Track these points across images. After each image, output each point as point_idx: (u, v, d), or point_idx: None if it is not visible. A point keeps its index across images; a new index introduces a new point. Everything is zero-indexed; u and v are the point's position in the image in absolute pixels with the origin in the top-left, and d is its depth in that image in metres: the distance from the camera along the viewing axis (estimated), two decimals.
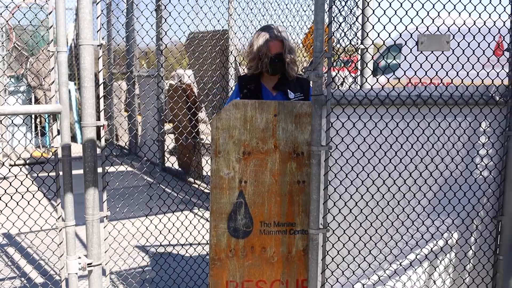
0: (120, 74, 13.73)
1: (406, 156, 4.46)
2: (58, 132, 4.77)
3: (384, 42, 4.40)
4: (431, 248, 4.58)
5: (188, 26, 7.42)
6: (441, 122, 4.49)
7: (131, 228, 5.70)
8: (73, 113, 15.32)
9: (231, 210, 4.74)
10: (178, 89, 10.02)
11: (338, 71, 6.07)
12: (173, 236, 5.83)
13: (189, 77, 11.78)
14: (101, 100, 4.88)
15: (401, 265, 4.60)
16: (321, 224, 4.37)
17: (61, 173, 4.72)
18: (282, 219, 4.69)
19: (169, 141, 10.19)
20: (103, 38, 4.85)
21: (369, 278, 4.58)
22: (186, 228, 5.89)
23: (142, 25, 9.77)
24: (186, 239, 5.93)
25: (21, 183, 5.23)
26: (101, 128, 4.88)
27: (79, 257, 4.81)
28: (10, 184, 5.22)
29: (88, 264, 4.83)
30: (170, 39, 8.67)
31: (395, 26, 4.39)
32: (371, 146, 4.41)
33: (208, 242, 5.96)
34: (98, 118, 4.85)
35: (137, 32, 11.10)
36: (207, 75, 9.52)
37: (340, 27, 6.78)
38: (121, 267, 5.76)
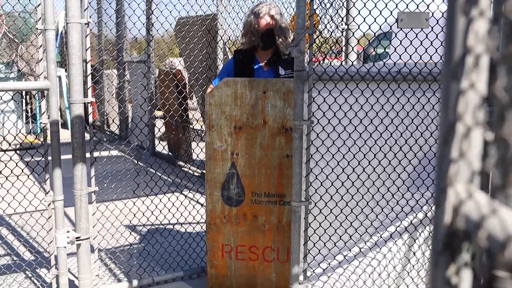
0: (111, 61, 13.77)
1: (386, 130, 4.58)
2: (47, 110, 4.86)
3: (370, 28, 4.51)
4: (411, 221, 4.71)
5: (179, 12, 7.48)
6: (421, 98, 4.60)
7: (120, 207, 5.80)
8: (64, 100, 15.36)
9: (224, 180, 4.98)
10: (168, 74, 10.11)
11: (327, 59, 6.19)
12: (165, 216, 5.92)
13: (179, 62, 11.87)
14: (89, 78, 4.97)
15: (381, 237, 4.73)
16: (303, 197, 4.49)
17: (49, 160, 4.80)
18: (272, 191, 4.87)
19: (159, 127, 10.22)
20: (90, 17, 4.92)
21: (350, 250, 4.70)
22: (177, 208, 5.99)
23: (134, 11, 9.81)
24: (177, 219, 6.05)
25: (15, 166, 5.31)
26: (89, 105, 4.97)
27: (68, 231, 4.92)
28: (4, 167, 5.30)
29: (76, 238, 4.94)
30: (162, 24, 8.75)
31: (380, 11, 4.48)
32: (352, 121, 4.52)
33: (199, 220, 6.07)
34: (86, 96, 4.95)
35: (129, 17, 11.15)
36: (197, 60, 9.60)
37: (324, 8, 6.88)
38: (109, 241, 5.84)
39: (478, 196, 0.98)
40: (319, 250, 4.63)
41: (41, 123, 4.82)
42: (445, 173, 1.01)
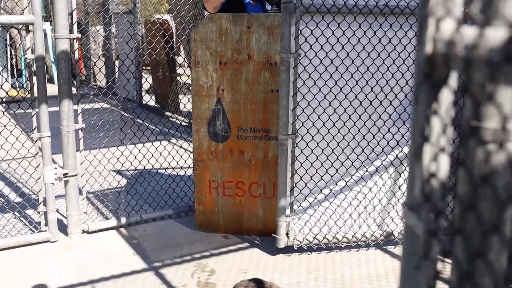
0: (96, 13, 13.59)
1: (373, 64, 4.58)
2: (32, 45, 4.80)
3: None
4: (397, 155, 4.76)
5: None
6: (408, 31, 4.60)
7: (108, 155, 5.78)
8: (50, 55, 15.19)
9: (211, 116, 5.00)
10: (155, 23, 10.00)
11: None
12: (152, 163, 5.93)
13: (170, 18, 11.75)
14: (74, 12, 4.90)
15: (367, 171, 4.78)
16: (290, 130, 4.51)
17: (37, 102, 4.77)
18: (258, 126, 4.89)
19: (146, 81, 10.15)
20: None
21: (336, 184, 4.76)
22: (160, 154, 6.00)
23: None
24: (164, 164, 6.07)
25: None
26: (75, 41, 4.93)
27: (55, 168, 4.92)
28: None
29: (64, 174, 4.95)
30: None
31: None
32: (339, 54, 4.51)
33: (185, 165, 6.09)
34: (72, 32, 4.90)
35: None
36: (184, 9, 9.50)
37: None
38: (97, 184, 5.87)
39: (456, 23, 1.00)
40: (306, 184, 4.67)
41: (26, 58, 4.77)
42: (426, 4, 1.02)
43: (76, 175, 5.01)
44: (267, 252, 4.87)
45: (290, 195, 4.63)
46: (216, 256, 4.82)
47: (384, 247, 4.99)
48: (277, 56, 4.72)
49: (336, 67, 4.53)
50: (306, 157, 4.63)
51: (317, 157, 4.65)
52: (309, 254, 4.84)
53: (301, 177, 4.64)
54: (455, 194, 1.08)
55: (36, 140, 4.86)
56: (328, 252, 4.88)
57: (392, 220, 4.89)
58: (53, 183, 4.92)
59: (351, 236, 4.80)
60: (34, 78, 4.76)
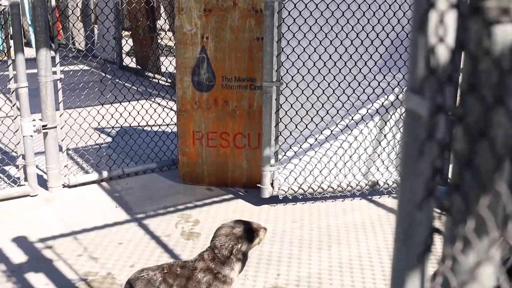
0: None
1: (358, 9, 4.48)
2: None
3: None
4: (382, 103, 4.69)
5: None
6: None
7: (89, 114, 5.62)
8: (27, 18, 14.85)
9: (195, 64, 4.89)
10: None
11: None
12: (134, 118, 5.80)
13: None
14: None
15: (353, 119, 4.71)
16: (274, 77, 4.42)
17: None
18: (243, 75, 4.79)
19: (127, 43, 9.93)
20: None
21: (321, 132, 4.69)
22: (146, 111, 5.88)
23: None
24: (147, 122, 5.94)
25: None
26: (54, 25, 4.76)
27: (33, 120, 4.79)
28: None
29: (43, 126, 4.82)
30: None
31: None
32: None
33: (169, 122, 5.95)
34: None
35: None
36: None
37: None
38: (78, 144, 5.71)
39: None
40: (290, 133, 4.60)
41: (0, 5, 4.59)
42: None
43: (56, 127, 4.88)
44: (252, 203, 4.81)
45: (275, 144, 4.56)
46: (200, 208, 4.76)
47: (370, 196, 4.95)
48: (262, 3, 4.59)
49: (321, 12, 4.42)
50: (291, 105, 4.55)
51: (302, 105, 4.57)
52: (294, 204, 4.79)
53: (285, 126, 4.57)
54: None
55: (13, 91, 4.71)
56: (313, 202, 4.83)
57: (378, 169, 4.85)
58: (31, 136, 4.80)
59: (336, 185, 4.75)
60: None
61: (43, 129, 4.82)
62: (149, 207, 4.74)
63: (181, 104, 4.99)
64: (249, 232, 3.25)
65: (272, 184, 4.64)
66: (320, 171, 4.73)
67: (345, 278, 3.71)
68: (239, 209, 4.72)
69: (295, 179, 4.70)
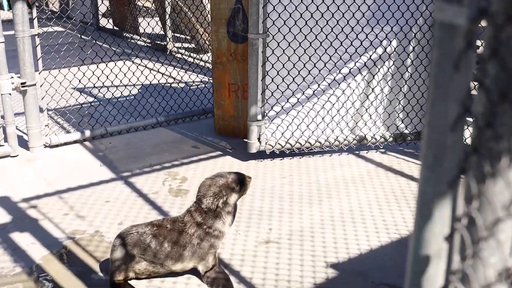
0: None
1: None
2: None
3: None
4: (370, 56, 4.61)
5: None
6: None
7: (69, 76, 5.43)
8: None
9: (230, 15, 4.82)
10: None
11: None
12: (117, 76, 5.62)
13: None
14: None
15: (340, 73, 4.63)
16: (261, 29, 4.30)
17: None
18: None
19: (103, 3, 9.65)
20: None
21: (309, 86, 4.61)
22: (130, 70, 5.72)
23: None
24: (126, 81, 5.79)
25: None
26: None
27: (12, 77, 4.63)
28: None
29: (22, 84, 4.67)
30: None
31: None
32: None
33: (153, 80, 5.81)
34: None
35: None
36: None
37: None
38: (59, 102, 5.53)
39: None
40: (277, 86, 4.50)
41: None
42: None
43: (35, 84, 4.73)
44: (240, 159, 4.74)
45: (262, 98, 4.46)
46: (187, 165, 4.67)
47: (357, 152, 4.91)
48: None
49: None
50: (278, 57, 4.44)
51: (288, 57, 4.47)
52: (281, 159, 4.73)
53: (272, 79, 4.47)
54: None
55: None
56: (300, 157, 4.78)
57: (365, 123, 4.79)
58: (10, 94, 4.64)
59: (324, 140, 4.70)
60: None
61: (22, 86, 4.67)
62: (134, 165, 4.64)
63: (216, 56, 4.93)
64: (235, 182, 3.17)
65: (259, 139, 4.56)
66: (308, 126, 4.67)
67: (338, 231, 3.68)
68: (227, 165, 4.65)
69: (282, 134, 4.63)
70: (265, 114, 4.54)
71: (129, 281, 3.06)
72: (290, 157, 4.76)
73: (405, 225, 3.76)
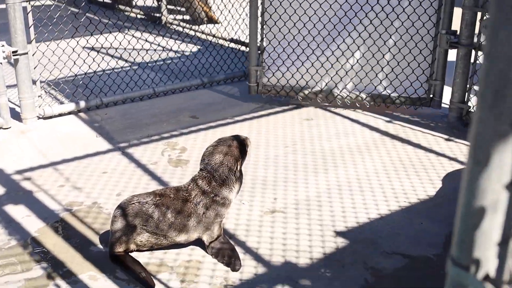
0: None
1: None
2: None
3: None
4: (372, 7, 4.48)
5: None
6: None
7: (61, 41, 5.20)
8: None
9: None
10: None
11: None
12: (104, 48, 5.41)
13: None
14: None
15: (340, 21, 4.48)
16: None
17: None
18: None
19: None
20: None
21: (309, 32, 4.50)
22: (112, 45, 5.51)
23: None
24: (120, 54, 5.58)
25: None
26: None
27: (2, 45, 4.43)
28: None
29: (13, 52, 4.47)
30: None
31: None
32: None
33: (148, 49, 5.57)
34: None
35: None
36: None
37: None
38: (52, 72, 5.29)
39: None
40: (275, 36, 4.47)
41: None
42: None
43: (27, 53, 4.53)
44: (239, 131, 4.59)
45: (260, 44, 4.74)
46: (186, 135, 4.52)
47: (363, 121, 4.77)
48: None
49: None
50: (275, 9, 4.34)
51: (285, 10, 4.36)
52: (283, 129, 4.58)
53: (270, 29, 4.43)
54: None
55: None
56: (302, 123, 4.63)
57: (377, 77, 4.65)
58: (1, 63, 4.44)
59: (319, 90, 4.83)
60: None
61: (13, 55, 4.46)
62: (132, 136, 4.48)
63: None
64: (240, 146, 3.06)
65: (257, 84, 4.97)
66: (302, 76, 4.86)
67: (345, 200, 3.55)
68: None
69: (278, 80, 4.89)
70: (263, 60, 4.86)
71: (129, 253, 2.92)
72: (292, 125, 4.61)
73: (415, 193, 3.63)
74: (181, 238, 2.92)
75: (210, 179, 2.96)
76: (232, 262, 2.89)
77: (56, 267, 2.89)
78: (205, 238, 2.96)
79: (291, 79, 4.79)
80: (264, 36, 4.61)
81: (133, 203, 2.92)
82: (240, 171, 3.04)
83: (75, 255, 2.99)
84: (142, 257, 2.94)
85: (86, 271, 2.87)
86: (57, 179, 3.80)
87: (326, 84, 4.79)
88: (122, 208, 2.93)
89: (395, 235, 3.18)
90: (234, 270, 2.86)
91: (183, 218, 2.88)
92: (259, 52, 4.77)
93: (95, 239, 3.13)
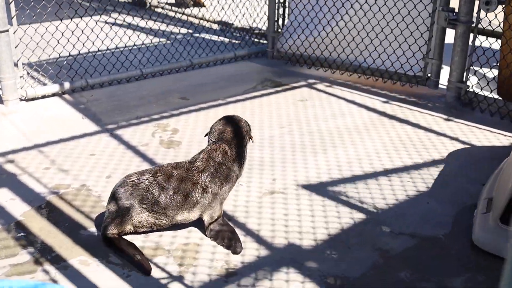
0: None
1: None
2: None
3: None
4: None
5: None
6: None
7: (43, 18, 4.96)
8: None
9: None
10: None
11: None
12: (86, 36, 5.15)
13: None
14: None
15: None
16: None
17: None
18: None
19: None
20: None
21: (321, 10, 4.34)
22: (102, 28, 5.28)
23: None
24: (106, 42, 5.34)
25: None
26: None
27: None
28: None
29: None
30: None
31: None
32: None
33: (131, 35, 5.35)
34: None
35: None
36: None
37: None
38: (35, 52, 5.01)
39: None
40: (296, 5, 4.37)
41: None
42: None
43: (7, 31, 4.30)
44: (233, 112, 4.41)
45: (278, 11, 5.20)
46: (177, 116, 4.33)
47: (359, 102, 4.62)
48: None
49: None
50: None
51: None
52: (278, 109, 4.41)
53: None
54: None
55: None
56: (299, 102, 4.46)
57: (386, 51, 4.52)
58: None
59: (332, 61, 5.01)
60: None
61: None
62: (120, 117, 4.27)
63: None
64: (246, 122, 3.01)
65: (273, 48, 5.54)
66: (318, 45, 5.12)
67: (347, 179, 3.39)
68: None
69: (290, 47, 5.34)
70: (279, 29, 5.49)
71: (123, 237, 2.73)
72: (286, 106, 4.44)
73: (418, 173, 3.49)
74: (183, 216, 2.73)
75: (225, 150, 2.81)
76: (232, 244, 2.72)
77: (44, 252, 2.69)
78: (206, 218, 2.78)
79: (301, 47, 5.29)
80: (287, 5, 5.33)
81: (132, 181, 2.74)
82: (246, 147, 2.93)
83: (64, 240, 2.79)
84: (136, 240, 2.75)
85: (76, 255, 2.68)
86: (42, 161, 3.59)
87: (330, 54, 5.10)
88: (121, 186, 2.74)
89: (401, 215, 3.03)
90: (235, 252, 2.69)
91: (185, 194, 2.70)
92: (276, 19, 5.42)
93: (85, 222, 2.94)
